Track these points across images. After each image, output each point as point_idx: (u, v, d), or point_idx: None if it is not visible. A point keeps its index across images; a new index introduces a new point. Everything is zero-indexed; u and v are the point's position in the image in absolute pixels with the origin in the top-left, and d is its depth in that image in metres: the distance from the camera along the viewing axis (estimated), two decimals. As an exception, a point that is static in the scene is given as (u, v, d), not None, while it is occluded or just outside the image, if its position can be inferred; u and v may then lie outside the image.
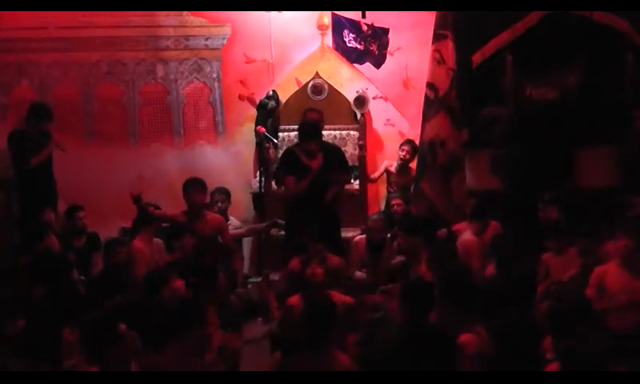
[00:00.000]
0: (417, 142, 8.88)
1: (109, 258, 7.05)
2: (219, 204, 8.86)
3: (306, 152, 7.95)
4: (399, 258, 7.17)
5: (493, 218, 7.51)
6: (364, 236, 8.00)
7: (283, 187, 8.34)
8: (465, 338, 4.95)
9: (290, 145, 9.11)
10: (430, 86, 8.35)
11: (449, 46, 8.26)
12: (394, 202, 8.71)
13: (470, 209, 7.65)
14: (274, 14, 9.83)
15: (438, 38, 8.33)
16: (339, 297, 6.32)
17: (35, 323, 5.48)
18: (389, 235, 7.83)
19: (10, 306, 5.76)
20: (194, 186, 7.75)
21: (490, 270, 6.69)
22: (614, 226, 6.50)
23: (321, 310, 5.16)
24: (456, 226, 7.66)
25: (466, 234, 7.39)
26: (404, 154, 9.33)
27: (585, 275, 6.31)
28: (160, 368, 5.02)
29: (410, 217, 8.13)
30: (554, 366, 4.65)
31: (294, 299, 6.43)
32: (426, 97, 8.42)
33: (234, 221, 9.10)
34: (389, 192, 9.46)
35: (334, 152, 8.24)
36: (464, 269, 6.20)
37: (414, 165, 9.04)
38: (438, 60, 8.28)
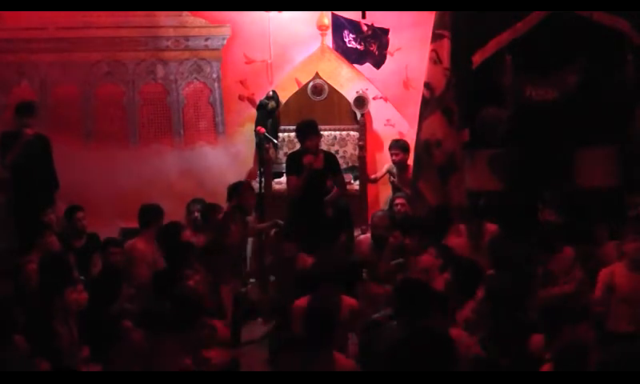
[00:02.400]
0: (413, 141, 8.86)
1: (104, 259, 7.04)
2: (195, 214, 8.56)
3: (308, 150, 7.98)
4: (398, 260, 7.18)
5: (491, 219, 7.51)
6: (368, 235, 8.01)
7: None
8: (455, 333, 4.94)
9: (289, 145, 9.14)
10: (427, 85, 8.34)
11: (446, 46, 8.25)
12: (397, 201, 8.67)
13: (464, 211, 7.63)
14: (273, 14, 9.83)
15: (435, 37, 8.32)
16: (347, 301, 6.31)
17: (35, 322, 5.49)
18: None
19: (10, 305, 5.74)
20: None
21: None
22: (620, 227, 6.49)
23: (321, 313, 5.15)
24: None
25: (459, 237, 7.38)
26: (395, 157, 9.29)
27: (585, 278, 6.33)
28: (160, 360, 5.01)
29: (411, 217, 8.13)
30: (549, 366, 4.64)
31: (302, 302, 6.40)
32: (423, 96, 8.40)
33: None
34: (394, 192, 9.42)
35: (331, 156, 8.29)
36: (472, 267, 6.21)
37: (410, 160, 9.04)
38: (435, 60, 8.26)
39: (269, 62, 9.99)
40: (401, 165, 9.26)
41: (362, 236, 8.18)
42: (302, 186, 7.95)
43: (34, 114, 8.58)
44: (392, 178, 9.45)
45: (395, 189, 9.33)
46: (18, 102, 8.94)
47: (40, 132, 8.64)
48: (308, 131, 8.05)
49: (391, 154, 9.33)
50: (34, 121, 8.54)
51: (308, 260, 7.23)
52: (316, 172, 7.95)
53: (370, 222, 8.41)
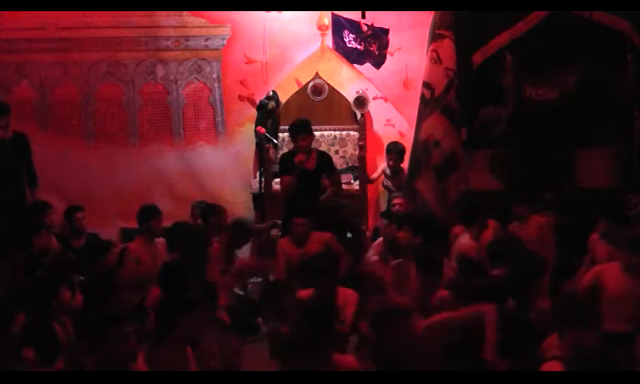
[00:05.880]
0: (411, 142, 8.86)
1: (88, 264, 7.01)
2: (197, 220, 8.39)
3: (300, 149, 7.99)
4: (397, 260, 7.17)
5: (491, 218, 7.50)
6: (380, 240, 7.99)
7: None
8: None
9: (289, 145, 9.14)
10: (426, 85, 8.36)
11: (447, 46, 8.25)
12: (395, 201, 8.69)
13: (462, 214, 7.60)
14: (273, 14, 9.83)
15: (435, 37, 8.33)
16: (344, 291, 6.30)
17: (33, 322, 5.49)
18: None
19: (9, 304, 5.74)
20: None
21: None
22: (620, 227, 6.48)
23: (318, 310, 5.10)
24: (455, 229, 7.63)
25: (464, 238, 7.36)
26: (392, 162, 9.31)
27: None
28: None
29: (411, 216, 8.12)
30: (550, 365, 4.62)
31: (304, 293, 6.38)
32: (422, 96, 8.42)
33: None
34: (389, 192, 9.44)
35: (325, 156, 8.31)
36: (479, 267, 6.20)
37: (405, 164, 9.04)
38: (435, 60, 8.28)
39: (263, 61, 9.98)
40: (395, 169, 9.29)
41: (377, 241, 8.15)
42: (293, 185, 7.95)
43: (7, 113, 8.39)
44: (385, 182, 9.46)
45: (389, 190, 9.36)
46: None
47: (20, 130, 8.50)
48: (300, 130, 8.06)
49: (388, 159, 9.35)
50: (6, 120, 8.33)
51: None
52: (308, 171, 7.95)
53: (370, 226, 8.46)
